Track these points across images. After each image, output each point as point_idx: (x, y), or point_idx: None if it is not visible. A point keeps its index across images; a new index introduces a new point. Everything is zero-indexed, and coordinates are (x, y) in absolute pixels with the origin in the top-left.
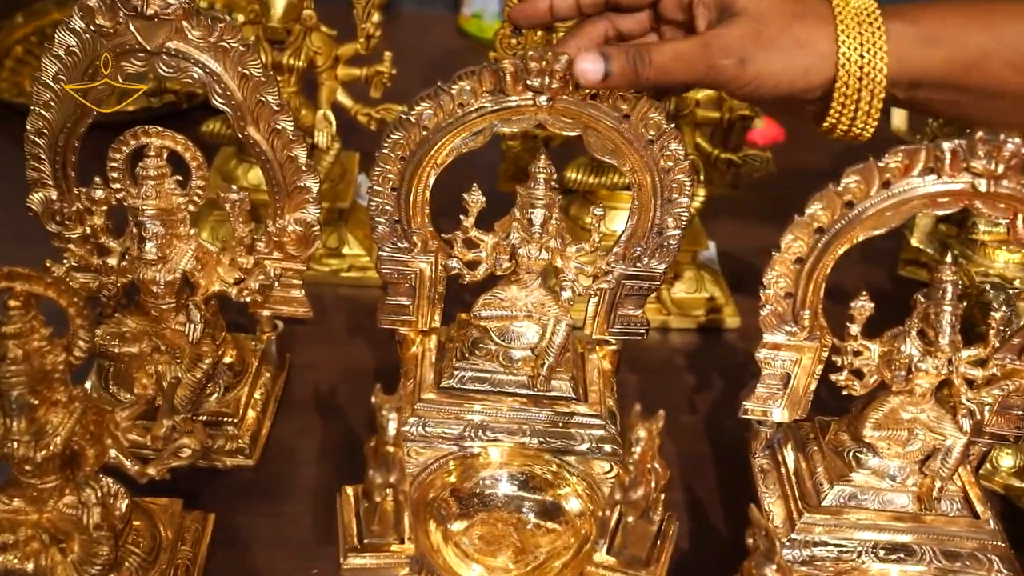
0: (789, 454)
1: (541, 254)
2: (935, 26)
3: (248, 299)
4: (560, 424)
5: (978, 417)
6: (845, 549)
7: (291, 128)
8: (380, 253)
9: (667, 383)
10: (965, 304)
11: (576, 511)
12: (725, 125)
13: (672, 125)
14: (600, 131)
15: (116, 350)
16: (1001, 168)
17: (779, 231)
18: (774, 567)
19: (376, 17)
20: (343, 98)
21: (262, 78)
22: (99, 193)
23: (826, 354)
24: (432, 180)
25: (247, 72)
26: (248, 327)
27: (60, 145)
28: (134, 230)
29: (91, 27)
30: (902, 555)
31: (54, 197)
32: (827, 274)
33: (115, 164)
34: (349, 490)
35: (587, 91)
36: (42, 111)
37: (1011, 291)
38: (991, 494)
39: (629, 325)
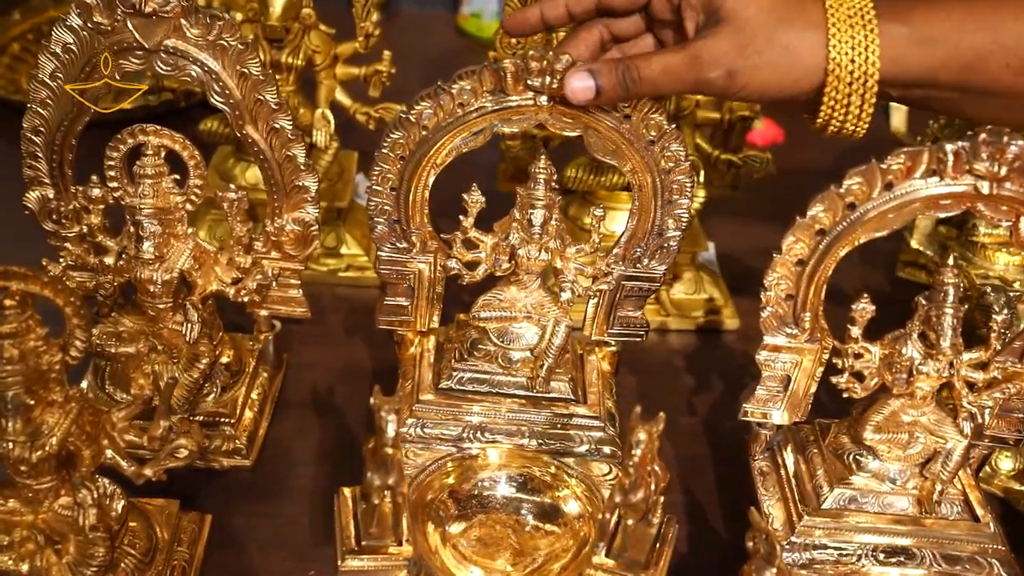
0: (789, 456)
1: (541, 255)
2: (930, 26)
3: (246, 299)
4: (559, 426)
5: (979, 420)
6: (845, 552)
7: (290, 127)
8: (379, 253)
9: (666, 385)
10: (967, 307)
11: (575, 513)
12: (725, 126)
13: (673, 126)
14: (601, 131)
15: (113, 350)
16: (1004, 170)
17: (778, 232)
18: (774, 570)
19: (375, 16)
20: (342, 97)
21: (261, 76)
22: (96, 192)
23: (827, 356)
24: (431, 180)
25: (246, 70)
26: (245, 327)
27: (57, 143)
28: (131, 229)
29: (89, 24)
30: (902, 558)
31: (51, 195)
32: (828, 276)
33: (112, 162)
34: (347, 491)
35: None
36: (39, 109)
37: (1012, 294)
38: (990, 497)
39: (629, 326)
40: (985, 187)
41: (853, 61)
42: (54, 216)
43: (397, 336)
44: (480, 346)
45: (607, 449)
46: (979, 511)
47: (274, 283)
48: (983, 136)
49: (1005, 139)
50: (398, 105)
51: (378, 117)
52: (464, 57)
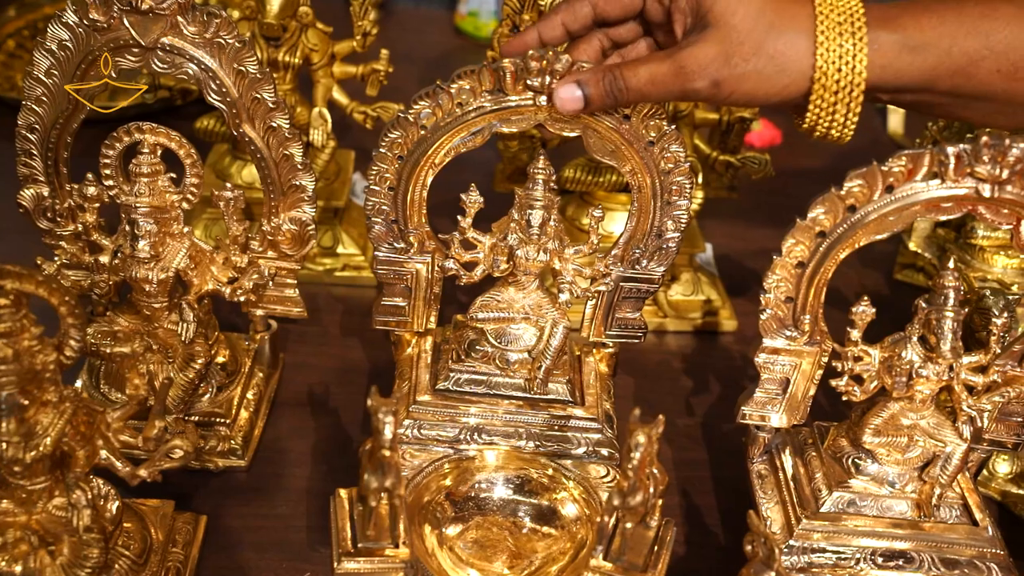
0: (787, 459)
1: (539, 256)
2: (921, 33)
3: (242, 298)
4: (556, 427)
5: (978, 424)
6: (843, 556)
7: (287, 126)
8: (376, 253)
9: (663, 386)
10: (967, 310)
11: (572, 516)
12: (723, 127)
13: (673, 127)
14: (600, 132)
15: (108, 349)
16: (1006, 173)
17: (775, 233)
18: (773, 574)
19: (373, 14)
20: (339, 96)
21: (258, 75)
22: (91, 190)
23: (826, 359)
24: (430, 180)
25: (243, 68)
26: (241, 327)
27: (52, 141)
28: (127, 228)
29: (84, 21)
30: (901, 562)
31: (46, 193)
32: (828, 278)
33: (108, 160)
34: (343, 493)
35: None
36: (34, 106)
37: (1011, 297)
38: (988, 500)
39: (627, 328)
40: (987, 190)
41: (840, 71)
42: (49, 214)
43: (394, 337)
44: (477, 347)
45: (605, 451)
46: (978, 515)
47: (270, 283)
48: (985, 139)
49: (1007, 142)
50: (395, 104)
51: (375, 116)
52: (461, 56)
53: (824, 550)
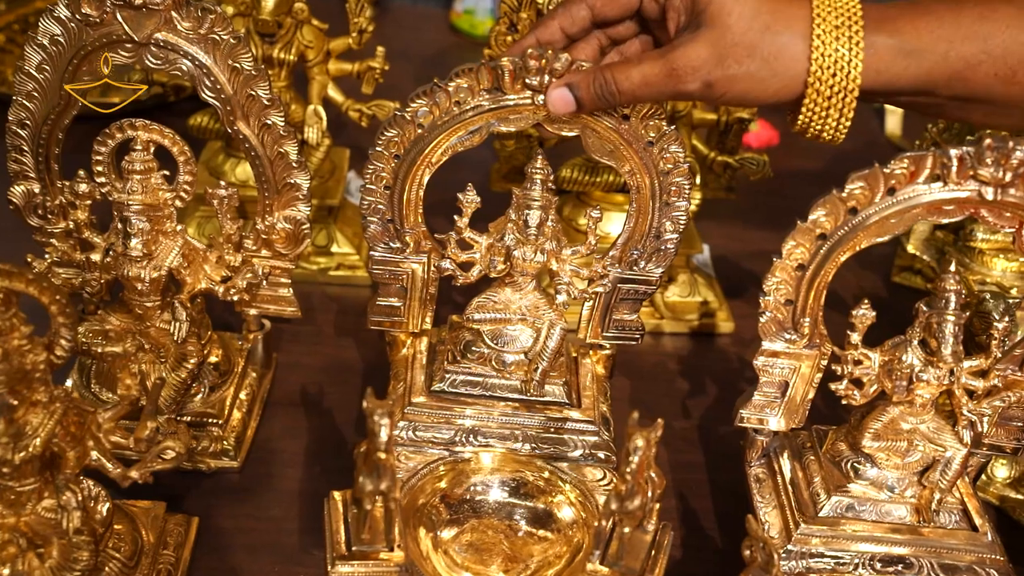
0: (786, 463)
1: (536, 256)
2: (918, 37)
3: (235, 297)
4: (553, 430)
5: (978, 428)
6: (842, 561)
7: (282, 123)
8: (372, 253)
9: (660, 388)
10: (967, 314)
11: (568, 519)
12: (722, 127)
13: (672, 127)
14: (599, 132)
15: (99, 349)
16: (1009, 176)
17: (773, 235)
18: None
19: (369, 12)
20: (334, 93)
21: (253, 72)
22: (83, 187)
23: (825, 362)
24: (426, 179)
25: (237, 65)
26: (234, 326)
27: (43, 137)
28: (119, 225)
29: (77, 16)
30: (899, 567)
31: (36, 190)
32: (828, 281)
33: (100, 157)
34: (337, 495)
35: None
36: (25, 101)
37: (1011, 301)
38: (986, 505)
39: (624, 329)
40: (989, 193)
41: (834, 75)
42: (40, 211)
43: (389, 337)
44: (473, 348)
45: (601, 454)
46: (977, 520)
47: (264, 282)
48: (988, 141)
49: (1011, 144)
50: (391, 102)
51: (371, 114)
52: (457, 54)
53: (822, 555)
